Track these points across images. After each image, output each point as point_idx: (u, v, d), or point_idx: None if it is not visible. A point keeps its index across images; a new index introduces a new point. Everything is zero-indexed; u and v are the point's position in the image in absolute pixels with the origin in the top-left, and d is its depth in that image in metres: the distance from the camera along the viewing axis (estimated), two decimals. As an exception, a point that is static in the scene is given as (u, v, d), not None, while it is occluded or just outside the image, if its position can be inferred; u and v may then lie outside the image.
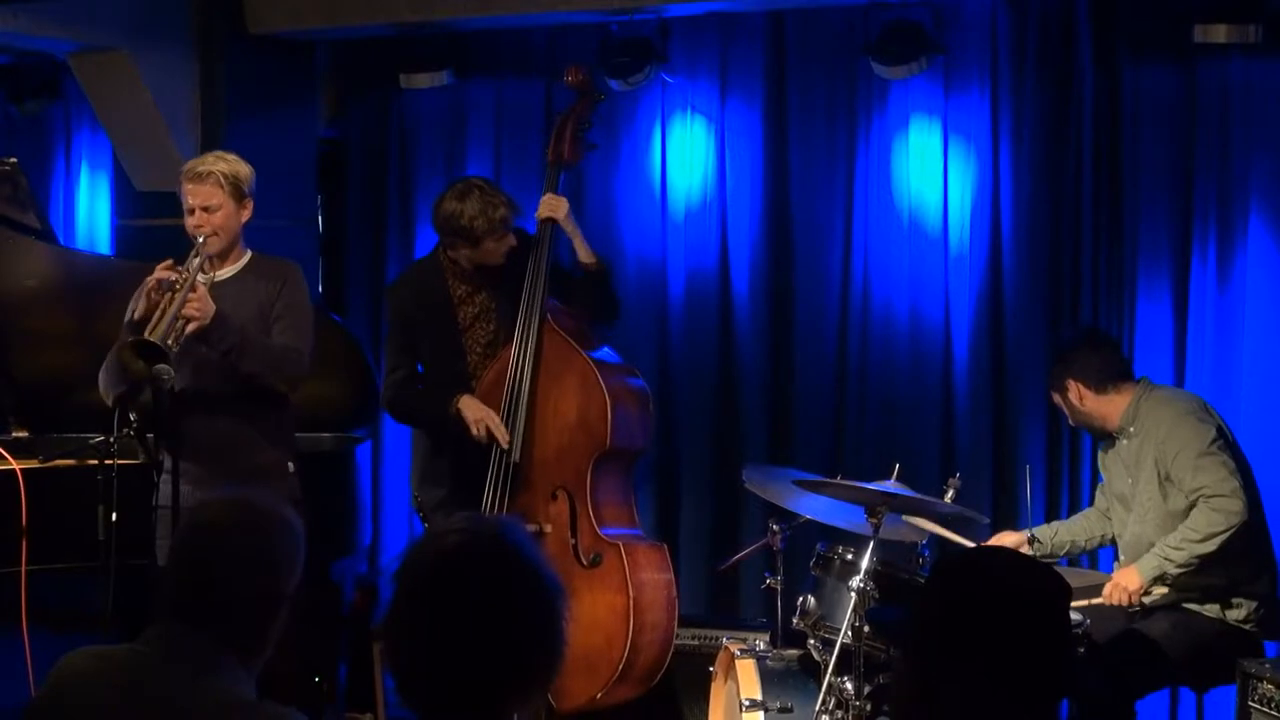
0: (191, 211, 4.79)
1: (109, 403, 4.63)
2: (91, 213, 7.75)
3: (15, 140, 7.61)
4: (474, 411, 5.12)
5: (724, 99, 6.49)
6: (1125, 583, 4.79)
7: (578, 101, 5.45)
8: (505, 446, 5.11)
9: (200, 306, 4.53)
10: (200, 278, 4.67)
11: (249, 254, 4.92)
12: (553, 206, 5.26)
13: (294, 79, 6.97)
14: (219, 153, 4.92)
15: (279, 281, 4.86)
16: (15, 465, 4.98)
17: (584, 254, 5.31)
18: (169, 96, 6.62)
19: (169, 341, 4.44)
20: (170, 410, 4.58)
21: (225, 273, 4.84)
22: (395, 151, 7.14)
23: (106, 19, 6.41)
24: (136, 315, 4.59)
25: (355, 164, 7.26)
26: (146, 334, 4.43)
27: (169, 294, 4.54)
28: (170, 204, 6.77)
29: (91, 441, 4.93)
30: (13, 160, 5.69)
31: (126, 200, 7.08)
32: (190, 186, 4.79)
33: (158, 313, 4.51)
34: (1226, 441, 4.88)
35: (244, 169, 4.85)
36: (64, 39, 6.50)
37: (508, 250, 5.18)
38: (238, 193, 4.80)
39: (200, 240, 4.73)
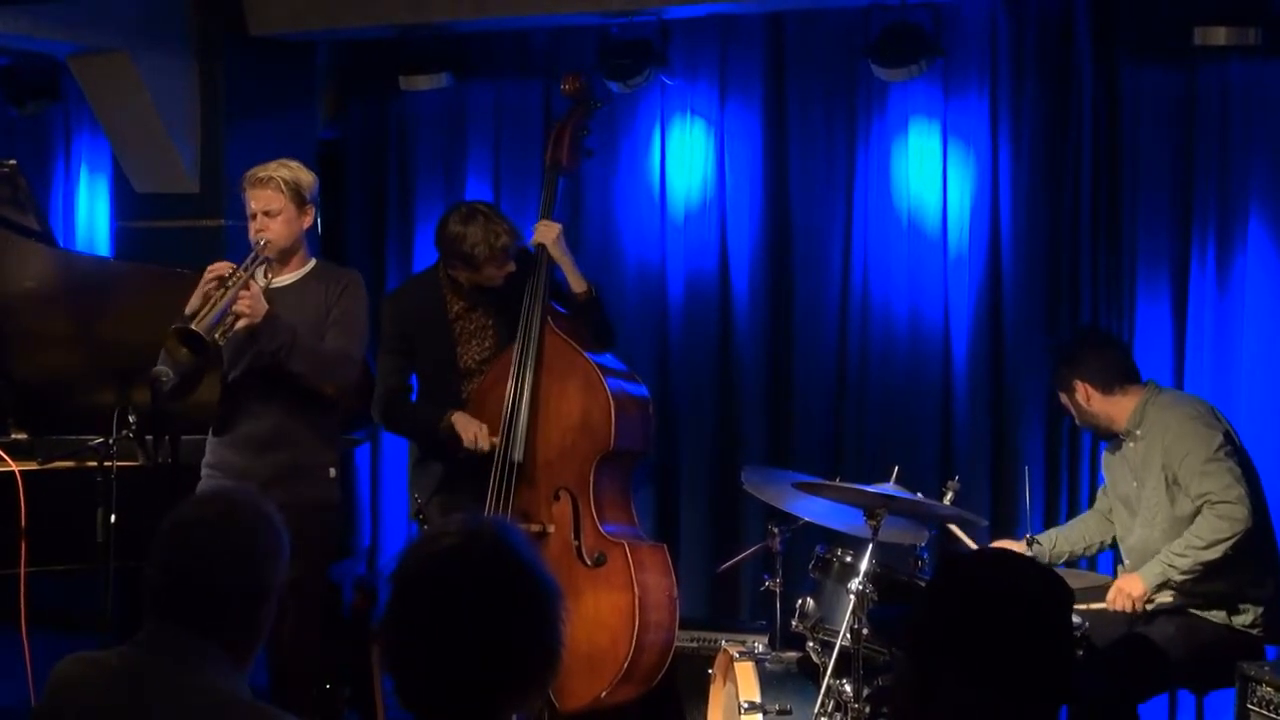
0: (253, 216, 4.85)
1: (165, 391, 4.69)
2: (91, 214, 7.75)
3: (15, 142, 7.62)
4: (467, 430, 5.13)
5: (723, 101, 6.50)
6: (1129, 589, 4.78)
7: (575, 108, 5.48)
8: (495, 443, 5.11)
9: (251, 304, 4.59)
10: (260, 280, 4.75)
11: (313, 261, 4.99)
12: (542, 232, 5.29)
13: (293, 81, 6.97)
14: (284, 160, 4.96)
15: (338, 288, 4.91)
16: (14, 467, 4.98)
17: (575, 283, 5.31)
18: (169, 98, 6.63)
19: (216, 335, 4.53)
20: (220, 405, 4.73)
21: (287, 278, 4.91)
22: (394, 153, 7.15)
23: (107, 21, 6.41)
24: (189, 310, 4.65)
25: (354, 166, 7.27)
26: (194, 325, 4.50)
27: (222, 290, 4.61)
28: (170, 206, 6.81)
29: (90, 443, 4.93)
30: (12, 162, 5.68)
31: (126, 202, 7.08)
32: (251, 192, 4.85)
33: (208, 305, 4.58)
34: (1234, 447, 4.85)
35: (306, 176, 4.91)
36: (64, 40, 6.50)
37: (509, 274, 5.19)
38: (299, 198, 4.86)
39: (260, 244, 4.79)
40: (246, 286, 4.62)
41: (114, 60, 6.51)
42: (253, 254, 4.78)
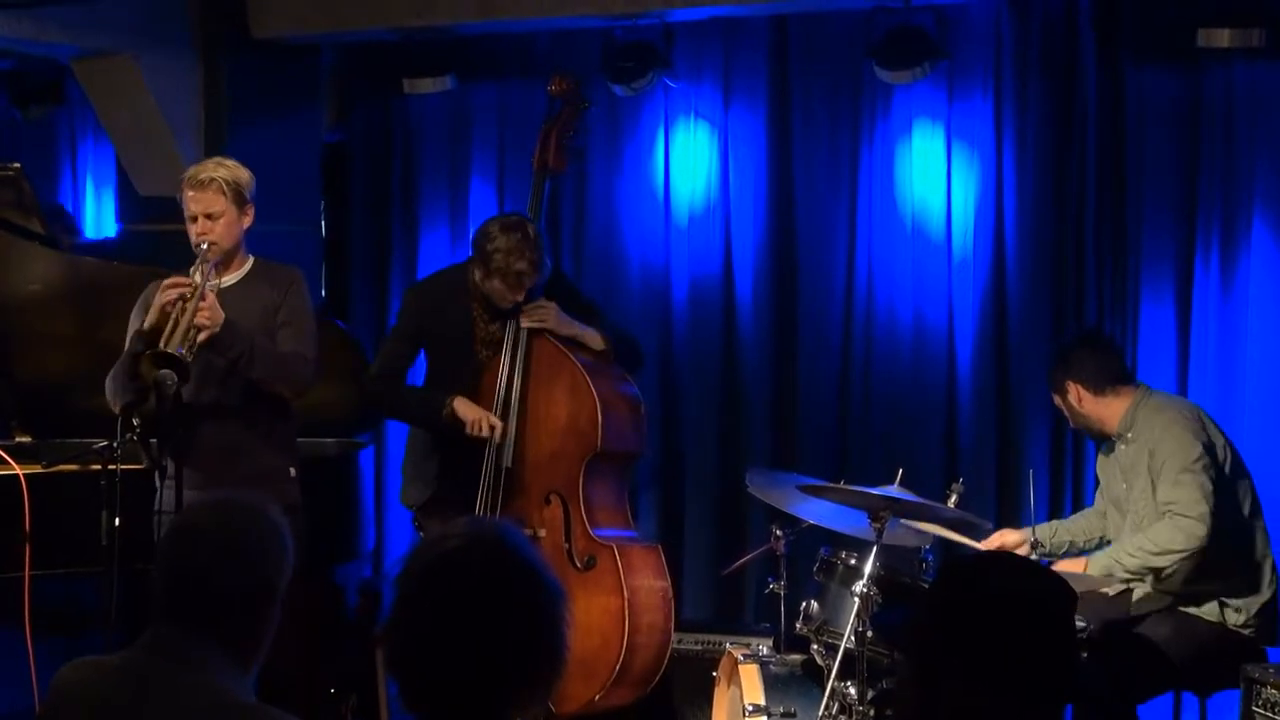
0: (194, 219, 4.77)
1: (115, 410, 4.64)
2: (96, 217, 7.75)
3: (19, 145, 7.62)
4: (471, 412, 5.14)
5: (727, 104, 6.50)
6: (1069, 571, 4.79)
7: (562, 110, 5.51)
8: (498, 439, 5.11)
9: (211, 315, 4.54)
10: (209, 285, 4.67)
11: (251, 260, 4.92)
12: (540, 317, 5.21)
13: (297, 83, 6.97)
14: (219, 159, 4.89)
15: (283, 288, 4.86)
16: (18, 470, 4.98)
17: (593, 342, 5.30)
18: (172, 101, 6.63)
19: (184, 351, 4.46)
20: (175, 414, 4.55)
21: (228, 279, 4.84)
22: (399, 156, 7.15)
23: (110, 24, 6.42)
24: (147, 325, 4.59)
25: (359, 168, 7.27)
26: (163, 345, 4.44)
27: (180, 304, 4.54)
28: (174, 209, 6.80)
29: (95, 446, 4.92)
30: (16, 165, 5.69)
31: (130, 205, 7.08)
32: (192, 194, 4.76)
33: (170, 323, 4.51)
34: (1214, 460, 4.85)
35: (244, 174, 4.83)
36: (68, 44, 6.51)
37: (513, 303, 5.17)
38: (239, 199, 4.78)
39: (204, 248, 4.72)
40: (204, 297, 4.55)
41: (117, 63, 6.51)
42: (199, 260, 4.69)
